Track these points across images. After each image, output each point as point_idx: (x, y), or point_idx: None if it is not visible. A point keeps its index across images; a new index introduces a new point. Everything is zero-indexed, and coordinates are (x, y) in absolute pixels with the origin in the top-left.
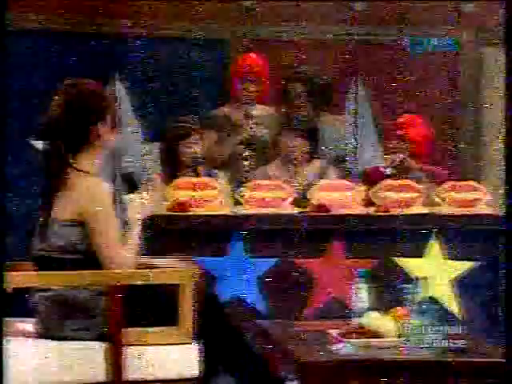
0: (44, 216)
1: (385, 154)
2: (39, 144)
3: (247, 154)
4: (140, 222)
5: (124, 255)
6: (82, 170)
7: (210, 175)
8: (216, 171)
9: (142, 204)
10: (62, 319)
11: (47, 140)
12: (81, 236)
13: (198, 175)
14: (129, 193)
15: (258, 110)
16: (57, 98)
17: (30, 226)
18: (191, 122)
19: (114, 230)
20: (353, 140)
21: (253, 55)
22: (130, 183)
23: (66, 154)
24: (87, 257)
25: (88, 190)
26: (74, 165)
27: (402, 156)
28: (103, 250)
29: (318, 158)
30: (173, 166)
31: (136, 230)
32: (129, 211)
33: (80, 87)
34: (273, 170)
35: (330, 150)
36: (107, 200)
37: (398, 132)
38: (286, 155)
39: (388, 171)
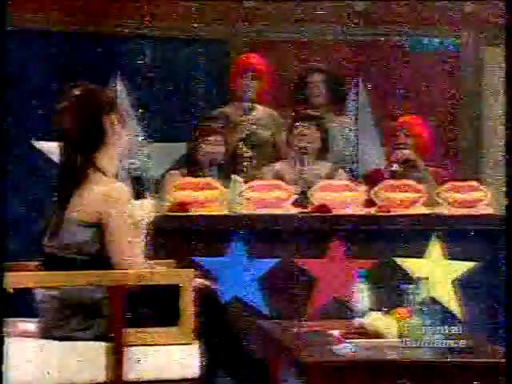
0: (58, 215)
1: (394, 149)
2: (40, 144)
3: (248, 153)
4: (145, 226)
5: (136, 260)
6: (101, 170)
7: (226, 177)
8: (236, 176)
9: (148, 208)
10: (62, 319)
11: (64, 141)
12: (94, 237)
13: (220, 175)
14: (136, 198)
15: (259, 111)
16: (64, 98)
17: (37, 225)
18: (213, 122)
19: (129, 233)
20: (354, 140)
21: (253, 54)
22: (139, 187)
23: (84, 153)
24: (96, 258)
25: (108, 193)
26: (94, 163)
27: (407, 152)
28: (118, 252)
29: (327, 159)
30: (193, 167)
31: (143, 234)
32: (136, 215)
33: (84, 85)
34: (282, 168)
35: (334, 150)
36: (126, 204)
37: (405, 129)
38: (298, 150)
39: (394, 167)
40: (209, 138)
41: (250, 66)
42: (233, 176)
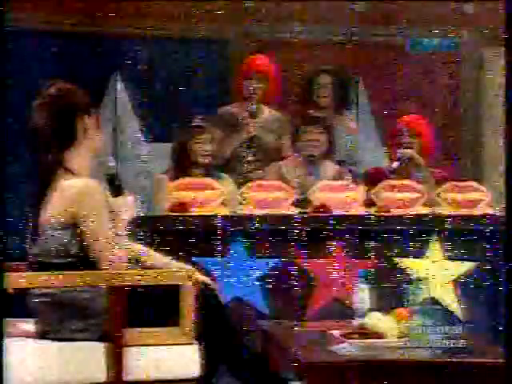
0: (34, 219)
1: (397, 148)
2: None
3: (250, 155)
4: (126, 224)
5: (118, 255)
6: (71, 171)
7: (217, 177)
8: (224, 174)
9: (127, 205)
10: (62, 320)
11: (35, 140)
12: (72, 238)
13: (209, 175)
14: (114, 196)
15: (266, 114)
16: (39, 97)
17: (24, 229)
18: (201, 121)
19: (106, 230)
20: (355, 140)
21: (260, 56)
22: (114, 186)
23: (54, 154)
24: (80, 259)
25: (79, 191)
26: (63, 164)
27: (410, 151)
28: (97, 250)
29: (333, 160)
30: (184, 166)
31: (124, 231)
32: (115, 213)
33: (59, 85)
34: (287, 169)
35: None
36: (99, 201)
37: (408, 129)
38: (305, 153)
39: (395, 165)
40: (196, 137)
41: (257, 68)
42: (224, 175)
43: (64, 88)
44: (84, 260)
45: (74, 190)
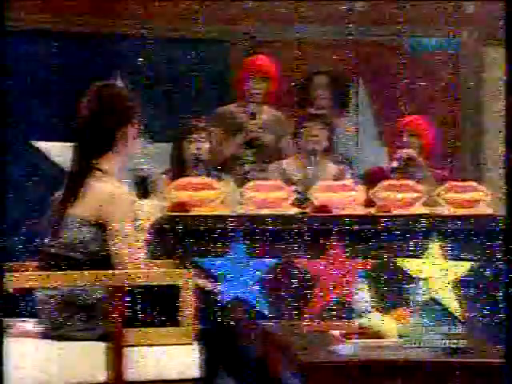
0: (60, 213)
1: (397, 148)
2: (40, 144)
3: (249, 155)
4: (149, 226)
5: (137, 260)
6: (105, 172)
7: (217, 177)
8: (224, 174)
9: (152, 209)
10: (62, 319)
11: (75, 140)
12: (95, 236)
13: (208, 175)
14: (140, 197)
15: (266, 113)
16: (86, 99)
17: (36, 225)
18: (197, 120)
19: (131, 233)
20: (355, 140)
21: (263, 56)
22: (143, 189)
23: (91, 155)
24: (98, 257)
25: (109, 193)
26: (98, 166)
27: (410, 151)
28: (118, 252)
29: (333, 159)
30: (183, 166)
31: (145, 234)
32: (139, 215)
33: (110, 90)
34: (289, 167)
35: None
36: (127, 203)
37: (410, 129)
38: (307, 150)
39: (395, 165)
40: (192, 136)
41: (258, 68)
42: (224, 175)
43: (114, 94)
44: (102, 259)
45: (105, 194)
